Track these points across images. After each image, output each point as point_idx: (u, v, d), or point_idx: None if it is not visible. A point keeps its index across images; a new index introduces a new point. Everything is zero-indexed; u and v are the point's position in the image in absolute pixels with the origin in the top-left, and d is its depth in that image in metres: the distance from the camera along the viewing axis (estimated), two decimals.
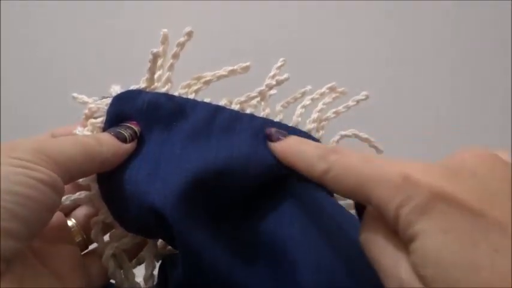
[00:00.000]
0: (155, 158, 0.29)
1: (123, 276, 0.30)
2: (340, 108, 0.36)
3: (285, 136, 0.29)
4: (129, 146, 0.29)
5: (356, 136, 0.35)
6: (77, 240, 0.30)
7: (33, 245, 0.25)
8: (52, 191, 0.23)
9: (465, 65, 0.49)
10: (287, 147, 0.28)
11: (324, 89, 0.36)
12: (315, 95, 0.36)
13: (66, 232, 0.29)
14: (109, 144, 0.27)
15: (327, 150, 0.24)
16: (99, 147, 0.26)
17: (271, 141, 0.30)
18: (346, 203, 0.35)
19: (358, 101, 0.35)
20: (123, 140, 0.28)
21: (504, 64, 0.49)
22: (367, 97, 0.35)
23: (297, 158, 0.27)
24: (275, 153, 0.29)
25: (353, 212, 0.35)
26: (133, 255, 0.31)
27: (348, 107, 0.35)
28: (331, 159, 0.23)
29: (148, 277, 0.30)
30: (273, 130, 0.30)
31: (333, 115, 0.35)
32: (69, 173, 0.24)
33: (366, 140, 0.35)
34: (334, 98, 0.36)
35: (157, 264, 0.31)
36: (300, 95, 0.36)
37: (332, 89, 0.36)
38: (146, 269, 0.30)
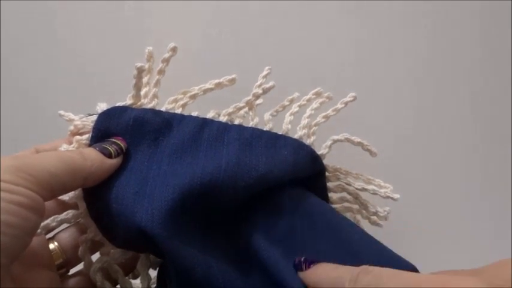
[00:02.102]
0: (142, 175, 0.29)
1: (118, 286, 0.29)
2: (329, 112, 0.35)
3: (314, 264, 0.27)
4: (114, 161, 0.28)
5: (348, 140, 0.35)
6: (57, 263, 0.29)
7: (11, 269, 0.24)
8: (33, 213, 0.22)
9: (460, 65, 0.49)
10: (318, 276, 0.26)
11: (310, 95, 0.36)
12: (301, 102, 0.36)
13: (46, 256, 0.28)
14: (93, 158, 0.27)
15: (358, 271, 0.23)
16: (83, 162, 0.26)
17: (301, 270, 0.28)
18: (343, 206, 0.35)
19: (346, 103, 0.35)
20: (108, 155, 0.28)
21: (504, 64, 0.49)
22: (354, 98, 0.35)
23: (328, 284, 0.25)
24: (306, 282, 0.27)
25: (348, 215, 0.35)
26: (129, 268, 0.31)
27: (337, 110, 0.35)
28: (362, 281, 0.22)
29: None
30: (302, 259, 0.28)
31: (322, 120, 0.35)
32: (52, 189, 0.24)
33: (358, 143, 0.35)
34: (321, 103, 0.36)
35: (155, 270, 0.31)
36: (288, 103, 0.36)
37: (318, 94, 0.36)
38: (142, 282, 0.30)
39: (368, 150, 0.35)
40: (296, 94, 0.36)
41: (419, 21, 0.48)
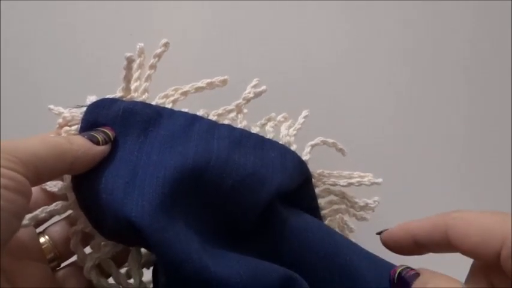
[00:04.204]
0: (132, 165, 0.28)
1: (113, 282, 0.28)
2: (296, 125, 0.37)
3: None
4: (101, 148, 0.28)
5: (324, 142, 0.36)
6: (48, 257, 0.28)
7: (1, 261, 0.24)
8: (19, 196, 0.22)
9: (456, 63, 0.51)
10: None
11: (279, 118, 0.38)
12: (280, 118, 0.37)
13: (37, 249, 0.28)
14: (80, 144, 0.26)
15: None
16: (69, 146, 0.25)
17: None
18: (332, 209, 0.35)
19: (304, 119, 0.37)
20: (96, 142, 0.28)
21: (504, 65, 0.51)
22: (307, 115, 0.37)
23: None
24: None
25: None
26: (121, 262, 0.30)
27: (301, 124, 0.37)
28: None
29: (137, 286, 0.28)
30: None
31: (294, 132, 0.36)
32: (38, 172, 0.23)
33: (332, 144, 0.36)
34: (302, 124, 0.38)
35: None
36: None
37: (285, 118, 0.38)
38: (134, 278, 0.29)
39: (340, 150, 0.37)
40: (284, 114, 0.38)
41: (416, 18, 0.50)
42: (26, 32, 0.45)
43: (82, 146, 0.26)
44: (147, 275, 0.30)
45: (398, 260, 0.30)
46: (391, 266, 0.30)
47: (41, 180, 0.24)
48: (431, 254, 0.26)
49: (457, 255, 0.24)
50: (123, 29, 0.46)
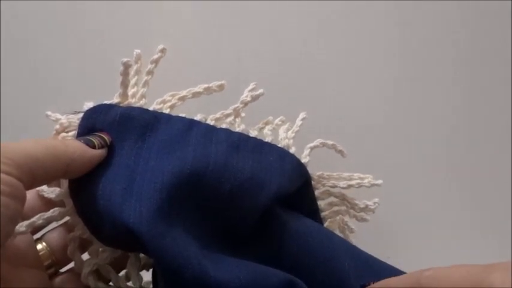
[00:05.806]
0: (129, 170, 0.28)
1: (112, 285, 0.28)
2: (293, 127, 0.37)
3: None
4: (98, 152, 0.28)
5: (324, 144, 0.36)
6: (46, 264, 0.28)
7: None
8: (13, 200, 0.21)
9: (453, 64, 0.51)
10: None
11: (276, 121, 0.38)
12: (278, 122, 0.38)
13: (34, 256, 0.28)
14: (76, 146, 0.26)
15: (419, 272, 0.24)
16: (65, 148, 0.25)
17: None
18: (332, 210, 0.35)
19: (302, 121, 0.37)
20: (92, 146, 0.27)
21: (504, 65, 0.51)
22: (304, 118, 0.38)
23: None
24: None
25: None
26: (119, 267, 0.30)
27: (298, 126, 0.37)
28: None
29: None
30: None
31: (292, 134, 0.36)
32: (33, 174, 0.23)
33: (332, 146, 0.36)
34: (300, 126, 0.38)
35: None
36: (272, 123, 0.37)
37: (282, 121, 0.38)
38: (133, 283, 0.29)
39: (339, 151, 0.37)
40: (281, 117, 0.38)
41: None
42: (26, 32, 0.46)
43: (78, 148, 0.26)
44: (147, 276, 0.30)
45: (399, 263, 0.30)
46: (391, 270, 0.30)
47: (36, 182, 0.24)
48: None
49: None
50: (123, 29, 0.46)
